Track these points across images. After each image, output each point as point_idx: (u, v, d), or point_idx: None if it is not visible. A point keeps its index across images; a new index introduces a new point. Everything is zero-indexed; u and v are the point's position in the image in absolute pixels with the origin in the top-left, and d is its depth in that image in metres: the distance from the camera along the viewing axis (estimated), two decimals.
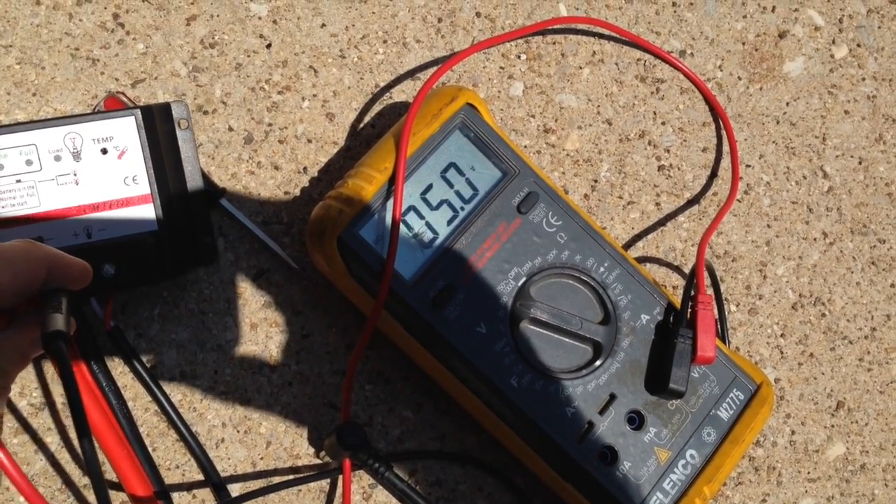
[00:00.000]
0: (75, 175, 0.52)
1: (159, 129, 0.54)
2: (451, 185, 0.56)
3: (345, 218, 0.53)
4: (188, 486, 0.55)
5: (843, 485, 0.65)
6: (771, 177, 0.69)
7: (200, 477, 0.55)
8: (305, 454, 0.57)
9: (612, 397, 0.55)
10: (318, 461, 0.57)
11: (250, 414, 0.57)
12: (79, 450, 0.54)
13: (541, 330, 0.55)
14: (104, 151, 0.52)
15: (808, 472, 0.64)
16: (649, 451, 0.55)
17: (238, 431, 0.57)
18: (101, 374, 0.53)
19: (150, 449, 0.54)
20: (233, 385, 0.57)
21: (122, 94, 0.58)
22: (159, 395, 0.54)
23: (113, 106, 0.56)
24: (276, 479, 0.56)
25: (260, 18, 0.62)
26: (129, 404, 0.55)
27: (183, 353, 0.57)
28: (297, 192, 0.61)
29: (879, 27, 0.74)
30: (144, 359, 0.56)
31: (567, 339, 0.55)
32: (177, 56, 0.61)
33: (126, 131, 0.52)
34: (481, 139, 0.56)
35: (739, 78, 0.71)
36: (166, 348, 0.57)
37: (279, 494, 0.56)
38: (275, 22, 0.63)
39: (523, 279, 0.55)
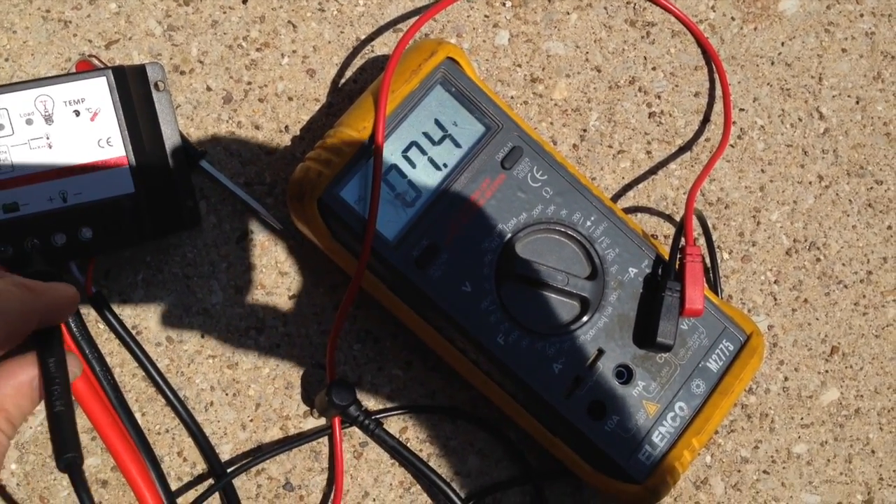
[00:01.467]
0: (48, 138, 0.51)
1: (134, 91, 0.53)
2: (433, 142, 0.55)
3: (324, 180, 0.52)
4: (178, 451, 0.56)
5: (837, 430, 0.65)
6: (765, 120, 0.68)
7: (190, 441, 0.55)
8: (295, 415, 0.57)
9: (600, 352, 0.54)
10: (307, 422, 0.58)
11: (238, 377, 0.57)
12: None
13: (527, 286, 0.54)
14: (77, 113, 0.51)
15: (802, 418, 0.64)
16: (638, 404, 0.54)
17: (227, 394, 0.57)
18: (84, 341, 0.53)
19: (139, 414, 0.55)
20: (220, 348, 0.57)
21: (96, 56, 0.57)
22: (144, 360, 0.54)
23: (85, 69, 0.55)
24: (266, 441, 0.57)
25: None
26: (116, 370, 0.55)
27: (168, 318, 0.57)
28: (280, 151, 0.60)
29: None
30: (130, 324, 0.56)
31: (554, 296, 0.55)
32: (151, 15, 0.59)
33: (98, 92, 0.51)
34: (463, 94, 0.55)
35: (733, 18, 0.69)
36: (151, 313, 0.56)
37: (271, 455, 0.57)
38: None
39: (508, 236, 0.54)
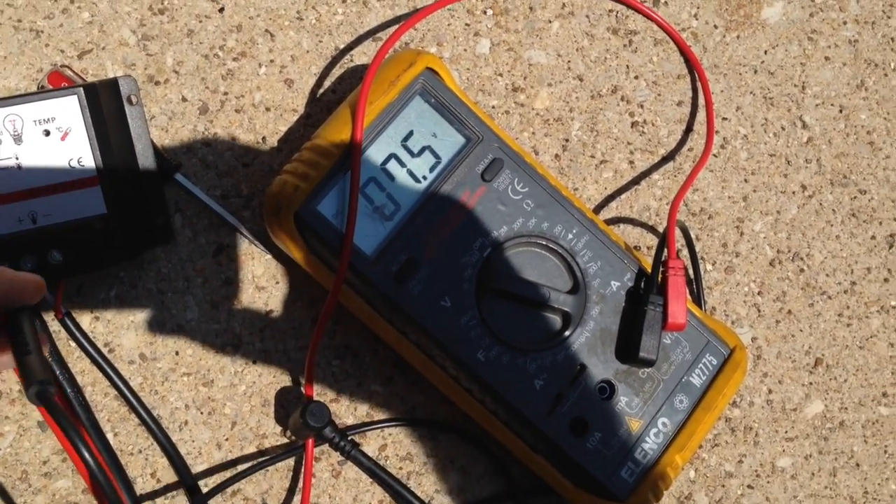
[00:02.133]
0: (17, 158, 0.50)
1: (106, 106, 0.51)
2: (412, 154, 0.54)
3: (301, 194, 0.51)
4: (151, 472, 0.54)
5: (822, 443, 0.64)
6: (748, 129, 0.67)
7: (164, 461, 0.54)
8: (272, 433, 0.56)
9: (582, 368, 0.54)
10: (285, 440, 0.56)
11: (214, 395, 0.56)
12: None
13: (508, 302, 0.53)
14: (46, 133, 0.50)
15: (786, 431, 0.64)
16: (620, 420, 0.54)
17: (202, 413, 0.56)
18: (55, 362, 0.52)
19: (111, 434, 0.53)
20: (195, 366, 0.56)
21: (68, 67, 0.55)
22: (116, 379, 0.53)
23: (57, 81, 0.54)
24: (242, 461, 0.55)
25: None
26: (88, 389, 0.54)
27: (142, 335, 0.55)
28: (257, 163, 0.59)
29: None
30: (103, 342, 0.55)
31: (535, 311, 0.54)
32: (125, 24, 0.58)
33: (68, 111, 0.50)
34: (443, 104, 0.54)
35: (716, 26, 0.68)
36: (125, 330, 0.55)
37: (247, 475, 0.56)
38: None
39: (489, 250, 0.53)
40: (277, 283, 0.58)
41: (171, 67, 0.58)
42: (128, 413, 0.54)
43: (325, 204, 0.51)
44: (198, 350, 0.56)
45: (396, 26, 0.61)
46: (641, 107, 0.65)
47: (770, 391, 0.64)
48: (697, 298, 0.62)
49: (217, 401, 0.56)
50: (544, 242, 0.54)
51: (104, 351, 0.54)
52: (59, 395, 0.51)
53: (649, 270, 0.56)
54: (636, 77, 0.66)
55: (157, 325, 0.56)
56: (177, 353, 0.56)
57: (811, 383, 0.65)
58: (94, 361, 0.53)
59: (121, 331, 0.55)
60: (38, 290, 0.38)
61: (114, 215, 0.51)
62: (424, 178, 0.54)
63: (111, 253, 0.51)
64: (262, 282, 0.57)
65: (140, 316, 0.55)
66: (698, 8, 0.68)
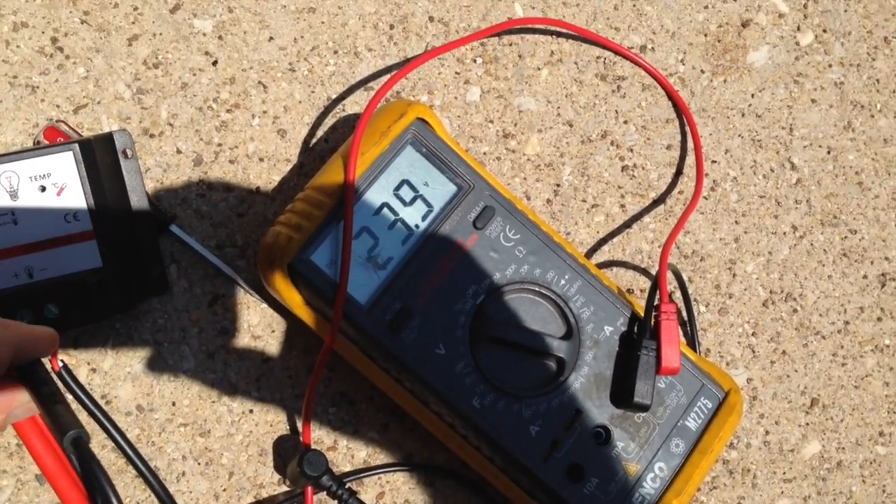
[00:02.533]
0: (13, 214, 0.50)
1: (101, 160, 0.52)
2: (404, 203, 0.54)
3: (294, 244, 0.51)
4: None
5: (820, 483, 0.64)
6: (738, 171, 0.68)
7: None
8: (269, 483, 0.56)
9: (578, 413, 0.54)
10: (282, 489, 0.56)
11: (211, 445, 0.56)
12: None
13: (502, 348, 0.54)
14: (42, 189, 0.50)
15: (784, 473, 0.64)
16: (617, 466, 0.54)
17: (199, 464, 0.55)
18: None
19: None
20: (192, 416, 0.56)
21: (63, 122, 0.56)
22: (114, 431, 0.53)
23: (52, 136, 0.55)
24: None
25: (205, 35, 0.61)
26: None
27: (139, 386, 0.56)
28: (251, 213, 0.59)
29: (846, 10, 0.73)
30: (100, 394, 0.55)
31: (529, 356, 0.54)
32: (119, 78, 0.59)
33: (64, 167, 0.51)
34: (434, 153, 0.55)
35: (702, 71, 0.69)
36: (121, 381, 0.55)
37: None
38: (220, 38, 0.61)
39: (482, 297, 0.54)
40: (273, 331, 0.58)
41: (165, 120, 0.59)
42: (125, 465, 0.54)
43: (318, 254, 0.52)
44: (194, 400, 0.56)
45: (387, 76, 0.62)
46: (631, 151, 0.66)
47: (767, 432, 0.64)
48: (691, 341, 0.63)
49: (214, 451, 0.56)
50: (537, 288, 0.55)
51: (101, 403, 0.54)
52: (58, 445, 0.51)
53: (642, 315, 0.56)
54: (625, 122, 0.66)
55: (154, 376, 0.56)
56: (173, 404, 0.56)
57: (808, 424, 0.65)
58: (91, 414, 0.53)
59: (117, 382, 0.55)
60: (53, 343, 0.39)
61: (109, 268, 0.51)
62: (417, 226, 0.54)
63: (107, 305, 0.52)
64: (257, 331, 0.58)
65: (137, 367, 0.56)
66: (685, 53, 0.69)
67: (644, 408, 0.53)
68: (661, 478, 0.54)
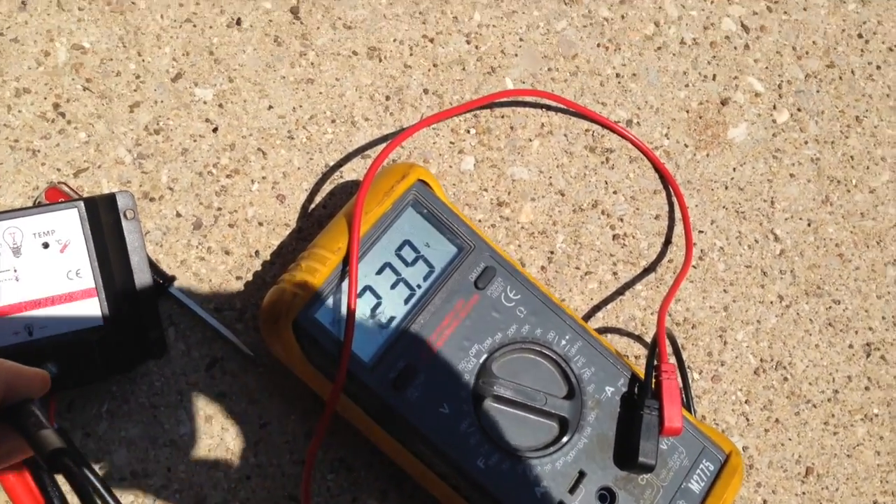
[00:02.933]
0: (15, 271, 0.49)
1: (104, 219, 0.52)
2: (406, 264, 0.55)
3: (299, 301, 0.51)
4: None
5: None
6: (724, 242, 0.69)
7: None
8: None
9: (582, 474, 0.53)
10: None
11: None
12: None
13: (505, 407, 0.53)
14: (45, 245, 0.50)
15: None
16: None
17: None
18: (47, 478, 0.50)
19: None
20: (187, 482, 0.54)
21: (65, 184, 0.56)
22: (109, 499, 0.51)
23: (54, 197, 0.55)
24: None
25: (205, 103, 0.62)
26: None
27: (134, 451, 0.54)
28: (250, 276, 0.59)
29: (818, 91, 0.76)
30: (94, 458, 0.53)
31: (532, 416, 0.54)
32: (121, 143, 0.59)
33: (69, 224, 0.51)
34: (435, 215, 0.56)
35: (686, 145, 0.71)
36: (116, 446, 0.54)
37: None
38: (220, 105, 0.62)
39: (484, 356, 0.54)
40: (270, 396, 0.57)
41: (165, 184, 0.59)
42: None
43: (322, 312, 0.52)
44: (190, 466, 0.55)
45: (384, 144, 0.64)
46: (621, 220, 0.67)
47: (765, 501, 0.64)
48: (687, 406, 0.63)
49: None
50: (538, 348, 0.55)
51: (96, 469, 0.52)
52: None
53: (641, 377, 0.56)
54: (615, 192, 0.68)
55: (150, 441, 0.54)
56: (169, 470, 0.54)
57: (804, 493, 0.65)
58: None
59: (112, 447, 0.54)
60: (44, 385, 0.38)
61: (110, 328, 0.51)
62: (419, 286, 0.54)
63: (106, 366, 0.51)
64: (255, 395, 0.57)
65: (132, 431, 0.54)
66: (668, 128, 0.71)
67: (649, 468, 0.53)
68: None
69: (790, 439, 0.66)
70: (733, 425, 0.65)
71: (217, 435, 0.55)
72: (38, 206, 0.50)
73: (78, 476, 0.33)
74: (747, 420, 0.65)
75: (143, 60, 0.61)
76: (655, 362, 0.56)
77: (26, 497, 0.50)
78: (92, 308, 0.51)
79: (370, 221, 0.54)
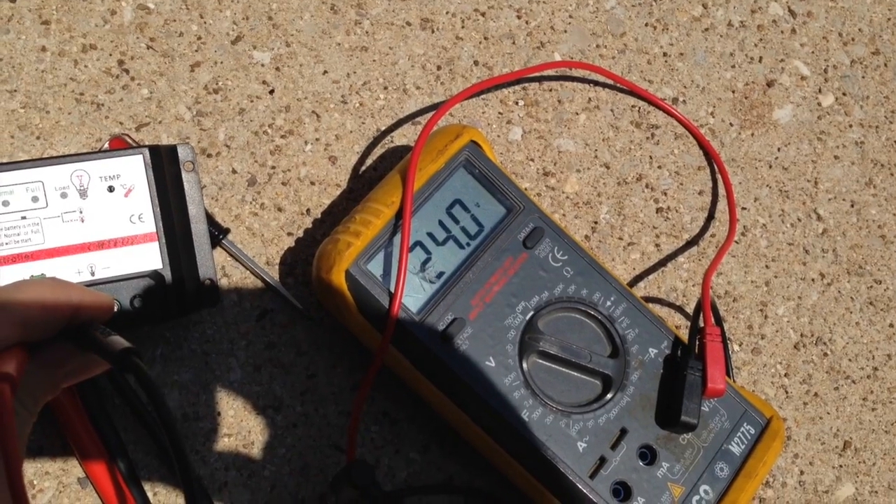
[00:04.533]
0: (81, 212, 0.51)
1: (166, 169, 0.54)
2: (456, 221, 0.56)
3: (353, 252, 0.53)
4: None
5: None
6: (766, 219, 0.70)
7: None
8: (310, 498, 0.56)
9: (624, 432, 0.54)
10: None
11: (254, 456, 0.56)
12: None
13: (550, 364, 0.54)
14: (111, 189, 0.52)
15: None
16: (663, 486, 0.54)
17: (241, 475, 0.55)
18: (100, 415, 0.52)
19: (151, 493, 0.53)
20: (236, 427, 0.56)
21: (128, 135, 0.58)
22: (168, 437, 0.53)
23: (118, 146, 0.56)
24: None
25: (263, 66, 0.63)
26: (130, 448, 0.53)
27: (185, 395, 0.56)
28: (301, 233, 0.60)
29: (863, 77, 0.76)
30: (145, 400, 0.55)
31: (576, 373, 0.55)
32: (181, 101, 0.61)
33: (133, 170, 0.52)
34: (485, 176, 0.57)
35: (731, 124, 0.72)
36: (168, 389, 0.55)
37: None
38: (277, 69, 0.64)
39: (531, 313, 0.55)
40: (319, 348, 0.58)
41: (222, 142, 0.61)
42: (168, 473, 0.54)
43: (374, 263, 0.53)
44: (239, 411, 0.56)
45: (433, 111, 0.65)
46: (665, 194, 0.68)
47: (802, 472, 0.64)
48: (728, 374, 0.63)
49: (257, 463, 0.55)
50: (584, 308, 0.56)
51: (148, 409, 0.54)
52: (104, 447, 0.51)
53: (683, 342, 0.57)
54: (659, 167, 0.69)
55: (201, 386, 0.56)
56: (219, 414, 0.56)
57: (841, 466, 0.65)
58: (138, 417, 0.53)
59: (165, 389, 0.55)
60: (109, 310, 0.39)
61: (168, 272, 0.52)
62: (468, 244, 0.55)
63: (164, 309, 0.52)
64: (303, 347, 0.58)
65: (185, 376, 0.56)
66: (714, 107, 0.72)
67: (691, 427, 0.54)
68: (706, 500, 0.54)
69: (828, 413, 0.66)
70: (772, 397, 0.65)
71: (265, 383, 0.57)
72: (104, 151, 0.52)
73: (147, 373, 0.35)
74: (786, 392, 0.66)
75: (205, 22, 0.63)
76: (700, 325, 0.57)
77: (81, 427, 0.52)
78: (152, 252, 0.52)
79: (423, 178, 0.55)
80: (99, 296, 0.39)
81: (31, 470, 0.53)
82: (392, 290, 0.53)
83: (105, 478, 0.52)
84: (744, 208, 0.70)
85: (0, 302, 0.35)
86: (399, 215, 0.54)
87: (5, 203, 0.50)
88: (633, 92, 0.70)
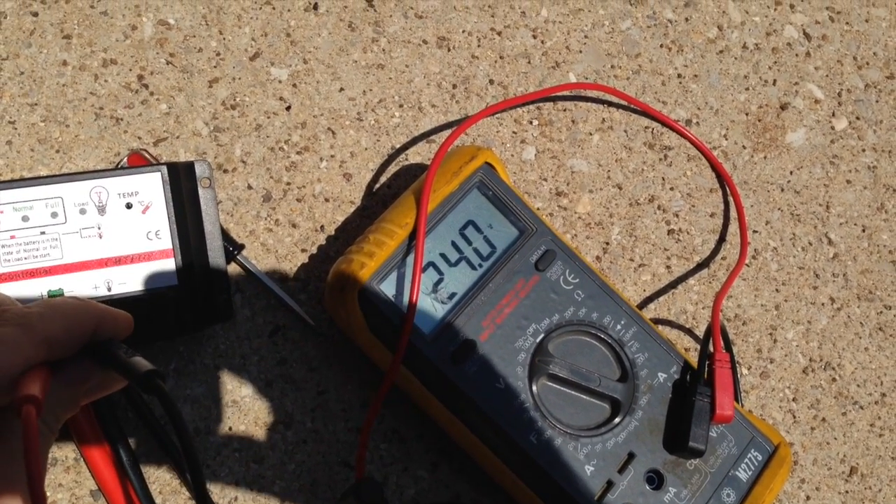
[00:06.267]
0: (99, 228, 0.52)
1: (183, 185, 0.54)
2: (469, 243, 0.56)
3: (367, 271, 0.53)
4: None
5: None
6: (778, 242, 0.70)
7: None
8: None
9: (631, 456, 0.54)
10: None
11: (264, 472, 0.56)
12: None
13: (559, 386, 0.55)
14: (129, 206, 0.52)
15: None
16: None
17: (251, 490, 0.56)
18: (113, 428, 0.53)
19: None
20: (247, 442, 0.56)
21: (146, 150, 0.59)
22: (180, 450, 0.54)
23: (137, 162, 0.57)
24: None
25: (280, 82, 0.64)
26: (141, 460, 0.54)
27: (197, 409, 0.56)
28: (314, 249, 0.61)
29: (877, 101, 0.77)
30: (159, 413, 0.55)
31: (585, 397, 0.55)
32: (199, 116, 0.62)
33: (151, 187, 0.53)
34: (499, 198, 0.57)
35: (744, 147, 0.72)
36: (181, 403, 0.56)
37: None
38: (294, 86, 0.64)
39: (542, 335, 0.55)
40: (329, 365, 0.59)
41: (239, 157, 0.62)
42: (179, 486, 0.55)
43: (387, 283, 0.54)
44: (250, 427, 0.57)
45: (449, 130, 0.65)
46: (677, 216, 0.69)
47: (808, 497, 0.64)
48: (736, 397, 0.63)
49: (266, 478, 0.56)
50: (594, 331, 0.56)
51: (161, 423, 0.54)
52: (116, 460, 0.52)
53: (693, 366, 0.57)
54: (671, 188, 0.69)
55: (213, 400, 0.56)
56: (230, 429, 0.56)
57: (847, 492, 0.65)
58: (150, 431, 0.54)
59: (177, 403, 0.56)
60: (129, 326, 0.40)
61: (184, 288, 0.53)
62: (480, 265, 0.56)
63: (178, 324, 0.53)
64: (315, 363, 0.59)
65: (197, 390, 0.56)
66: (727, 129, 0.72)
67: (698, 452, 0.54)
68: None
69: (836, 438, 0.66)
70: (780, 422, 0.65)
71: (276, 399, 0.57)
72: (123, 168, 0.53)
73: (170, 397, 0.35)
74: (794, 417, 0.66)
75: (224, 39, 0.64)
76: (709, 350, 0.57)
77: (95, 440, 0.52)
78: (168, 267, 0.53)
79: (437, 200, 0.56)
80: (118, 313, 0.40)
81: (45, 482, 0.53)
82: (404, 310, 0.53)
83: (117, 491, 0.53)
84: (755, 231, 0.70)
85: (23, 322, 0.35)
86: (412, 236, 0.54)
87: (25, 218, 0.51)
88: (646, 113, 0.70)
